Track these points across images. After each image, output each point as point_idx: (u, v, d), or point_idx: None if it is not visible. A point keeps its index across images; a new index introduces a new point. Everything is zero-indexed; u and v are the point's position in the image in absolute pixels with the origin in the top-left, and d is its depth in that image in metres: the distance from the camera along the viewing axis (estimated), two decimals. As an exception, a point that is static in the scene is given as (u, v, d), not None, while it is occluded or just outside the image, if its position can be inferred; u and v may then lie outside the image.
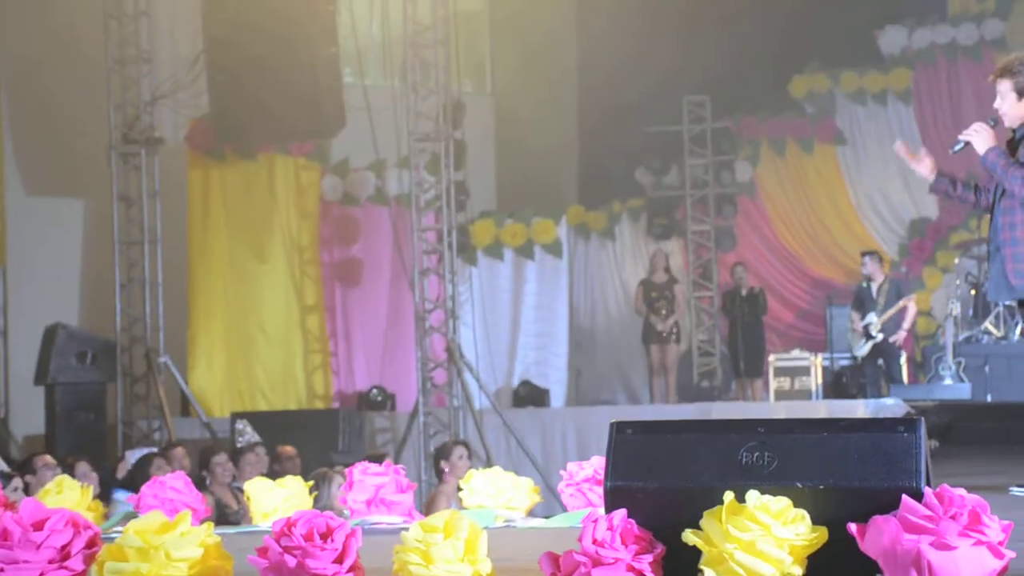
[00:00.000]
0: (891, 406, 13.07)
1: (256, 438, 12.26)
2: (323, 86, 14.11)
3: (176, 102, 14.79)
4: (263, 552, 3.69)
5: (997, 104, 6.39)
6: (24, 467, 9.10)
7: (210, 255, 15.45)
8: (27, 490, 8.08)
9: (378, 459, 6.83)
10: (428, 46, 14.54)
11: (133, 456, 10.84)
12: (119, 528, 5.27)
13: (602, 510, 3.70)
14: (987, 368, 14.21)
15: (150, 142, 14.55)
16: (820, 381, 15.31)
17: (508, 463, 11.96)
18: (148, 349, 14.37)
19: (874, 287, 14.76)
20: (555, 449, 13.97)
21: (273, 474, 8.48)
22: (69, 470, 8.60)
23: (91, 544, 3.78)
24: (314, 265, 16.14)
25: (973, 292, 15.29)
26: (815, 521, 3.45)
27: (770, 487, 3.50)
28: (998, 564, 3.34)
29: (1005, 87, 6.34)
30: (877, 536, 3.38)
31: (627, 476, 3.69)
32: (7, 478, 8.24)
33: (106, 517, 6.26)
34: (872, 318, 14.61)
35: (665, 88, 17.39)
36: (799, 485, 3.52)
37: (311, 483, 6.39)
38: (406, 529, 3.77)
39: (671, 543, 3.56)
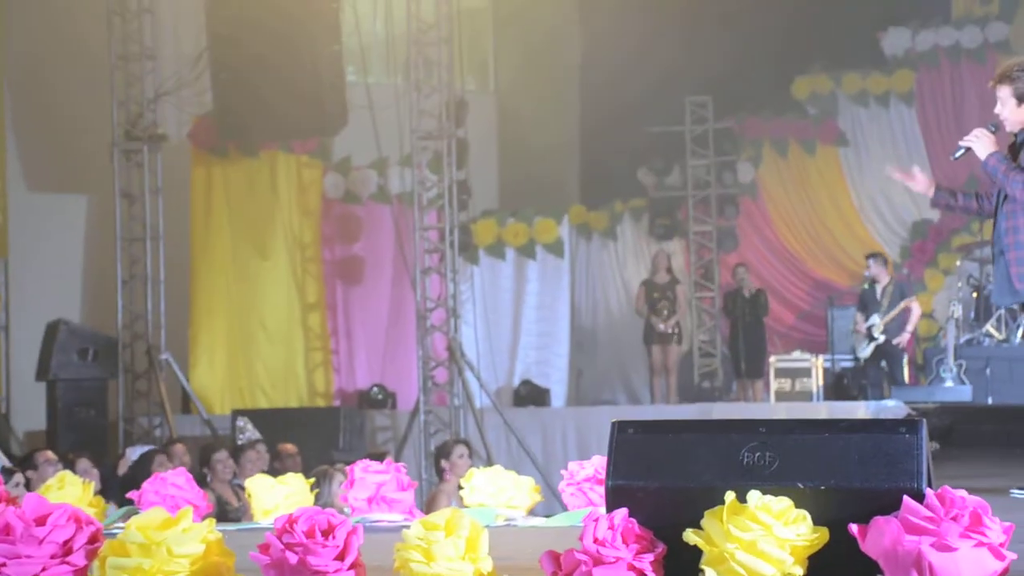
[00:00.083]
0: (892, 408, 13.07)
1: (257, 435, 12.29)
2: (326, 84, 14.11)
3: (179, 99, 14.80)
4: (265, 549, 3.69)
5: (998, 110, 6.42)
6: (25, 463, 9.12)
7: (212, 252, 15.45)
8: (28, 486, 8.10)
9: (379, 457, 6.84)
10: (431, 44, 14.53)
11: (134, 453, 10.87)
12: (121, 524, 5.28)
13: (603, 509, 3.71)
14: (988, 371, 14.21)
15: (153, 139, 14.56)
16: (821, 383, 15.28)
17: (509, 462, 11.91)
18: (149, 346, 14.39)
19: (879, 289, 14.73)
20: (556, 448, 13.96)
21: (273, 472, 8.45)
22: (70, 466, 8.62)
23: (93, 540, 3.78)
24: (316, 263, 16.13)
25: (975, 295, 15.28)
26: (816, 522, 3.45)
27: (771, 487, 3.50)
28: (999, 566, 3.34)
29: (1005, 93, 6.37)
30: (878, 537, 3.39)
31: (628, 475, 3.69)
32: (8, 474, 8.26)
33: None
34: (876, 320, 14.60)
35: (667, 88, 17.37)
36: (800, 485, 3.52)
37: (312, 480, 6.38)
38: (407, 527, 3.76)
39: (672, 542, 3.56)
